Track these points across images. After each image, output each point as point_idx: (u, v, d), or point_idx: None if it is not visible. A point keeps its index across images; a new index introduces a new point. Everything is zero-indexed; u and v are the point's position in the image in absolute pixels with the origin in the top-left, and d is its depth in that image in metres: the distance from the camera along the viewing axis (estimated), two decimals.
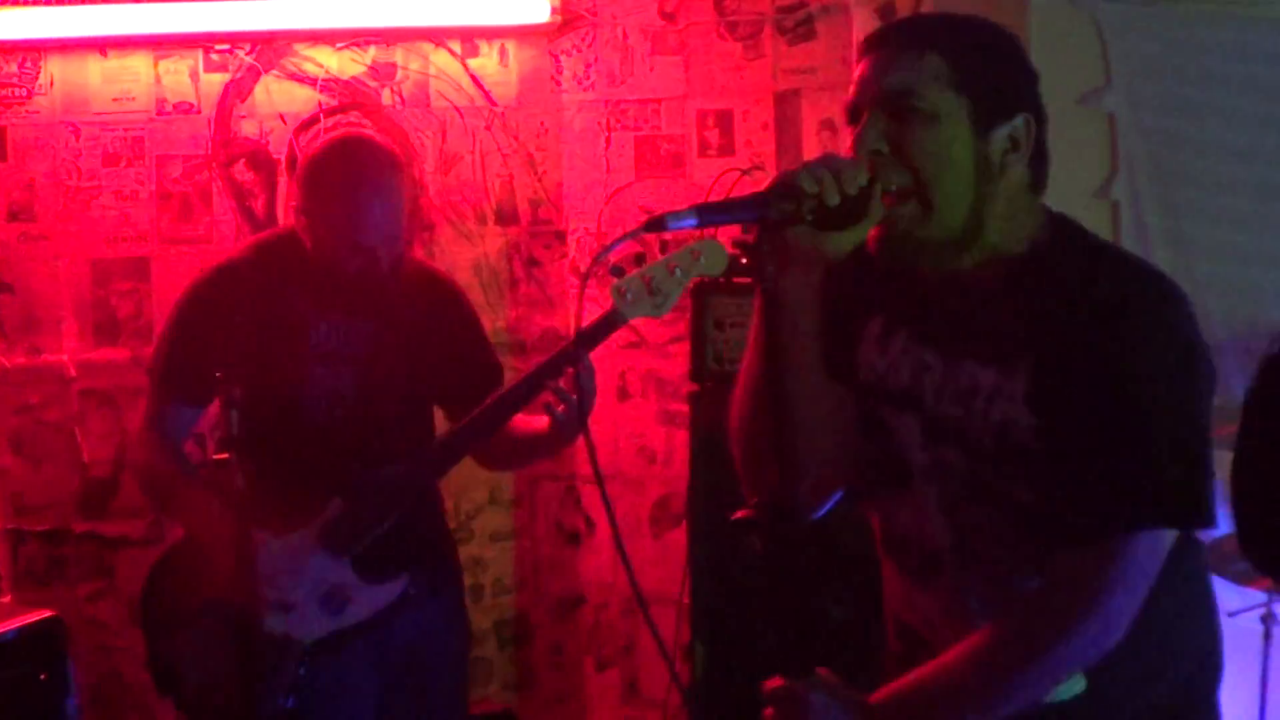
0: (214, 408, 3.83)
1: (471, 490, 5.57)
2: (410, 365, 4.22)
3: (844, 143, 2.69)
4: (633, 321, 4.04)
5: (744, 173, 5.28)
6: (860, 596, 2.97)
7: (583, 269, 5.61)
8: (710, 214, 2.48)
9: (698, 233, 3.91)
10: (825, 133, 5.40)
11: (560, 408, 3.99)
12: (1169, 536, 2.57)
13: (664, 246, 5.08)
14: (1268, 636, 4.45)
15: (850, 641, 3.28)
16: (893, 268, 2.69)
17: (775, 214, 2.49)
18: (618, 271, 4.02)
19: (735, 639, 4.89)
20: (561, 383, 3.99)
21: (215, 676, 4.08)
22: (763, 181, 3.09)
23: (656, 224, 2.39)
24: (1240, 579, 4.28)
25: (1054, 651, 2.53)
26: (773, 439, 2.44)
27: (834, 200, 2.48)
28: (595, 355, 5.57)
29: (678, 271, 3.98)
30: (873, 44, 2.66)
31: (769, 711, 2.58)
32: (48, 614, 4.85)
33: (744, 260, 4.76)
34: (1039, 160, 2.68)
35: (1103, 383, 2.51)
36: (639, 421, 5.56)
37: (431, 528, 4.40)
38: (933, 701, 2.59)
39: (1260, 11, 4.58)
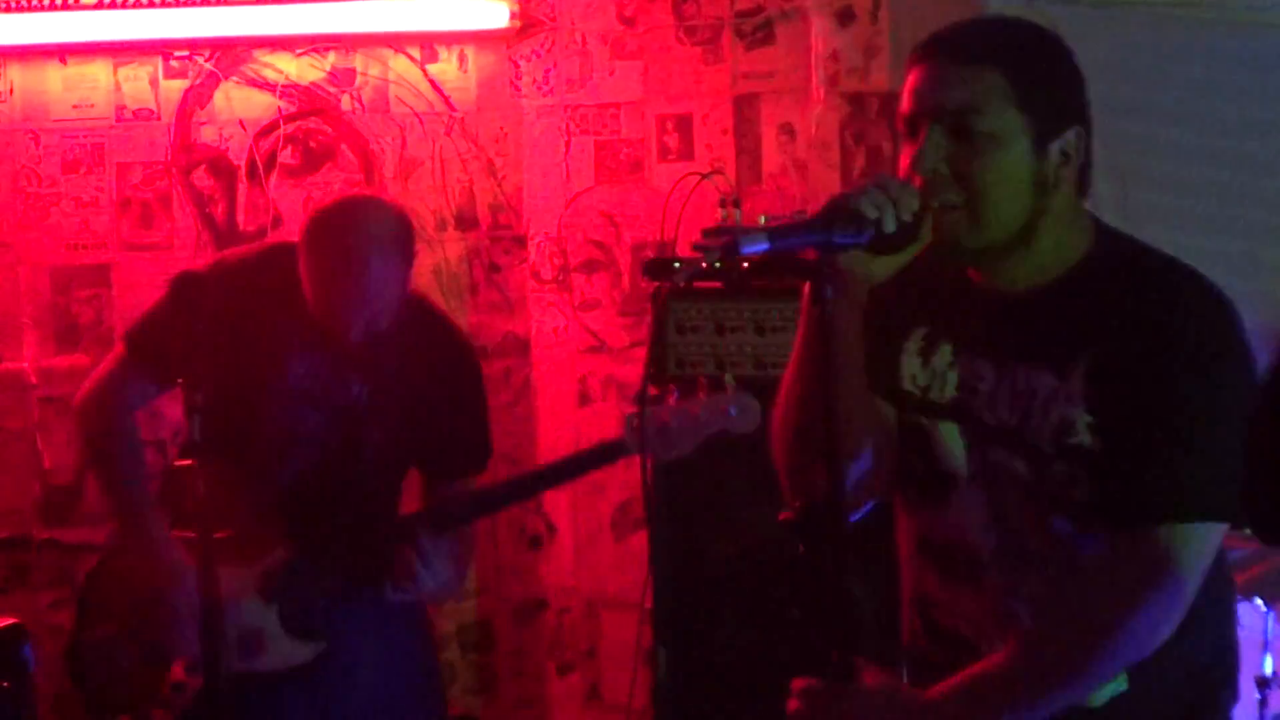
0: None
1: None
2: (389, 431, 4.01)
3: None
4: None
5: (704, 177, 5.26)
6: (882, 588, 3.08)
7: (543, 274, 5.62)
8: (780, 237, 2.44)
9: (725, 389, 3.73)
10: (784, 137, 5.42)
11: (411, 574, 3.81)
12: (1219, 533, 2.61)
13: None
14: None
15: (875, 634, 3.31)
16: (938, 279, 2.74)
17: (838, 237, 2.48)
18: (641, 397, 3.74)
19: (698, 643, 4.90)
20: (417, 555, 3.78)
21: (117, 679, 4.05)
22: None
23: (730, 250, 2.39)
24: None
25: (1110, 641, 2.55)
26: (823, 448, 2.46)
27: (891, 227, 2.49)
28: (559, 360, 5.58)
29: (701, 423, 3.73)
30: (928, 53, 2.65)
31: (795, 706, 2.59)
32: (10, 621, 4.83)
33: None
34: (1085, 167, 2.69)
35: (1160, 388, 2.55)
36: (599, 426, 5.55)
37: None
38: (986, 695, 2.61)
39: (1213, 14, 4.60)
